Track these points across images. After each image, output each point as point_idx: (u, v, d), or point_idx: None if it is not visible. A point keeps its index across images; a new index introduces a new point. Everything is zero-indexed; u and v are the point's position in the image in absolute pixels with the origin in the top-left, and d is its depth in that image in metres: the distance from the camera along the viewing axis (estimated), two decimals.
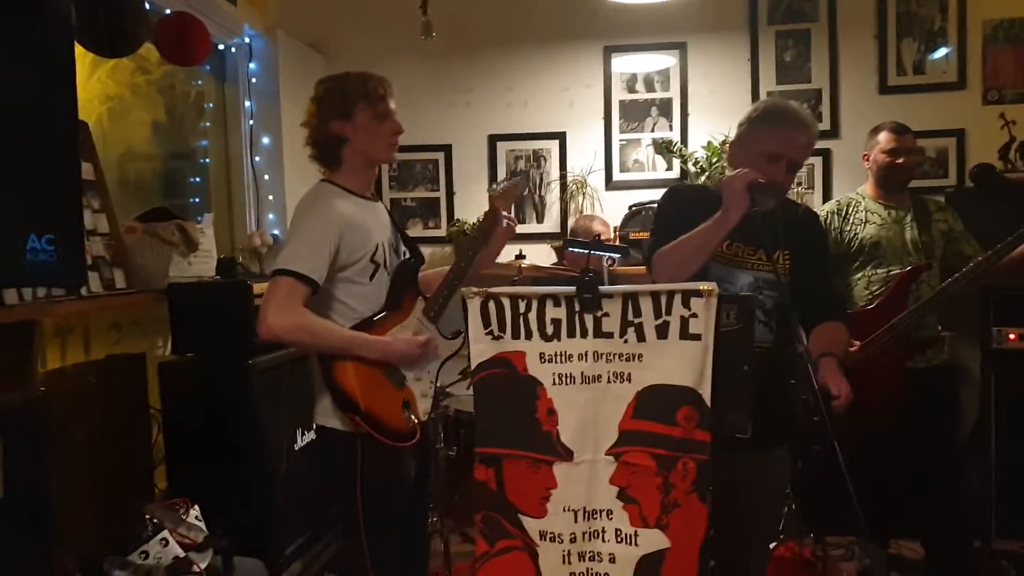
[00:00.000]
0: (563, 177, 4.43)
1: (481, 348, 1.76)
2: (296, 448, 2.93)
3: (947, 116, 4.06)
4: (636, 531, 1.71)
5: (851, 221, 3.28)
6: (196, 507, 2.35)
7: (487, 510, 1.77)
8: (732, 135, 4.04)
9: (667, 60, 4.37)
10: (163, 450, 2.82)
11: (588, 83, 4.44)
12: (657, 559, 1.70)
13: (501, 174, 4.51)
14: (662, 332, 1.68)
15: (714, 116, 4.30)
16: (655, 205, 4.12)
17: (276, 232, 3.99)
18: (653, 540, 1.70)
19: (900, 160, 3.24)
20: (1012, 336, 3.15)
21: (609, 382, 1.73)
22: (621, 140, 4.42)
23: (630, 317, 1.70)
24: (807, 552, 3.40)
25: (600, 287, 1.68)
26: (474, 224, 4.41)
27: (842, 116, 4.21)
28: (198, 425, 2.72)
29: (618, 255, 1.78)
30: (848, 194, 3.43)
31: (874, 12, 4.15)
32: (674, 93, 4.37)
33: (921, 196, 3.37)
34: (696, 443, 1.67)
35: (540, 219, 4.49)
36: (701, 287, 1.65)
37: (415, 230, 4.55)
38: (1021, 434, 3.11)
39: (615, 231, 4.16)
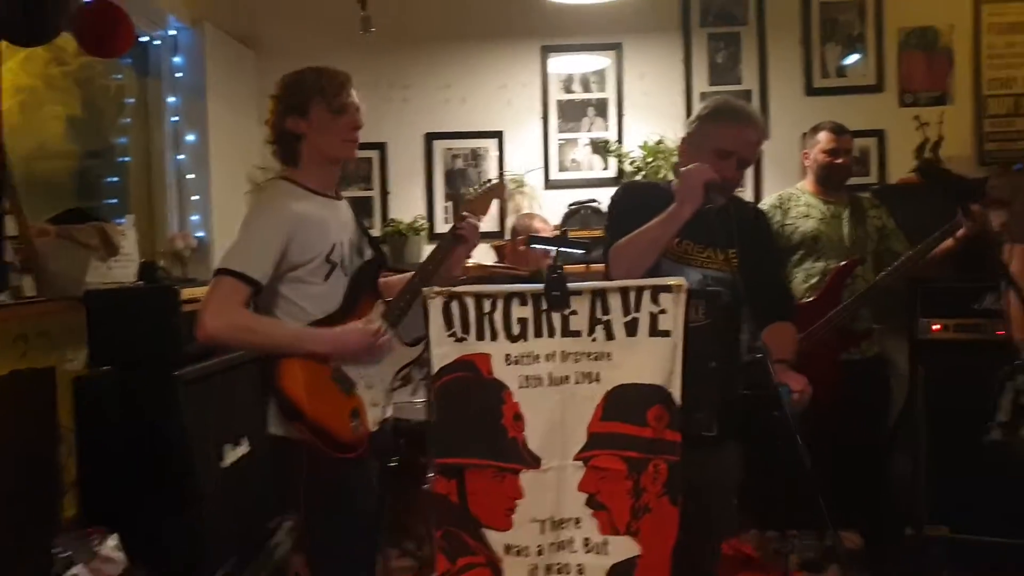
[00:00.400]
0: (501, 176, 4.37)
1: (443, 351, 1.68)
2: (225, 464, 2.77)
3: (868, 117, 4.20)
4: (606, 539, 1.67)
5: (791, 215, 3.34)
6: (114, 536, 2.17)
7: (448, 525, 1.69)
8: (667, 135, 4.23)
9: (603, 61, 4.37)
10: (75, 473, 2.61)
11: (525, 82, 4.40)
12: (628, 567, 1.65)
13: (438, 173, 4.43)
14: (631, 329, 1.64)
15: (649, 116, 4.33)
16: (594, 204, 4.26)
17: (201, 234, 3.79)
18: (623, 548, 1.66)
19: (839, 160, 3.33)
20: (936, 327, 3.25)
21: (577, 383, 1.67)
22: (559, 139, 4.40)
23: (598, 314, 1.65)
24: (748, 548, 3.44)
25: (569, 283, 1.62)
26: (410, 224, 4.33)
27: (771, 117, 4.29)
28: (118, 444, 2.52)
29: (581, 251, 1.72)
30: (788, 189, 3.49)
31: (799, 17, 4.26)
32: (610, 93, 4.37)
33: (856, 193, 3.46)
34: (667, 443, 1.64)
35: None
36: (670, 282, 1.62)
37: None
38: (947, 422, 3.21)
39: (555, 230, 4.13)
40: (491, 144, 4.43)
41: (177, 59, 3.69)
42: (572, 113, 4.39)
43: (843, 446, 3.20)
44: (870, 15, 4.17)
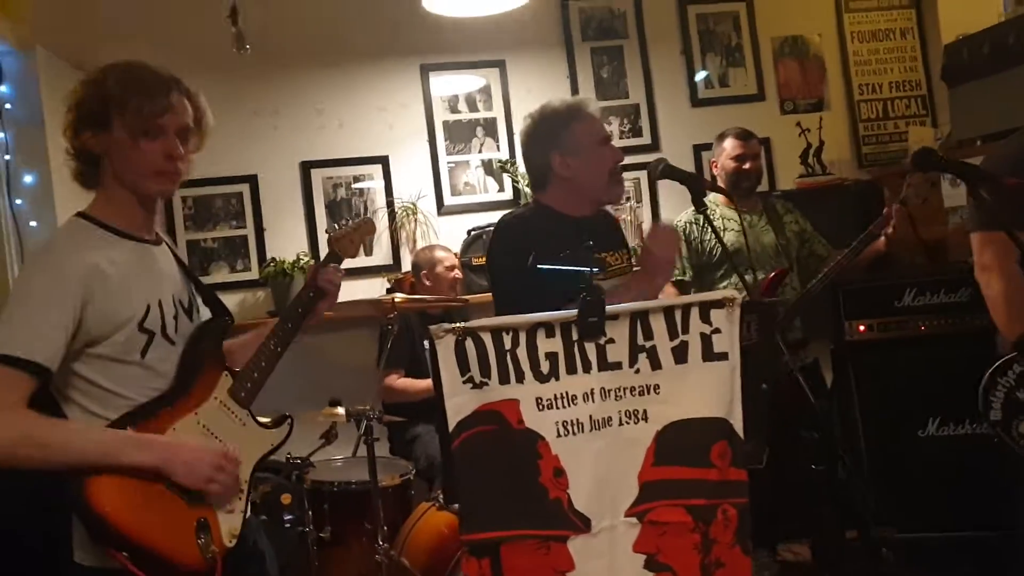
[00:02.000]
0: (390, 204, 4.04)
1: (459, 402, 1.35)
2: None
3: (753, 126, 4.16)
4: None
5: (709, 229, 3.25)
6: None
7: None
8: None
9: (487, 78, 4.17)
10: None
11: (406, 103, 4.11)
12: None
13: (319, 204, 4.04)
14: (680, 355, 1.41)
15: None
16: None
17: None
18: None
19: (747, 165, 3.29)
20: (862, 328, 3.27)
21: (621, 424, 1.41)
22: (449, 162, 4.13)
23: (640, 341, 1.40)
24: None
25: (607, 306, 1.35)
26: (294, 263, 3.89)
27: (660, 129, 4.25)
28: None
29: (597, 270, 1.48)
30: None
31: (677, 29, 4.27)
32: (498, 112, 4.17)
33: (770, 199, 3.45)
34: (734, 485, 1.41)
35: (368, 251, 4.03)
36: (722, 296, 1.40)
37: (220, 275, 3.92)
38: (880, 422, 3.23)
39: (457, 258, 3.85)
40: (375, 170, 4.09)
41: (3, 88, 3.08)
42: (460, 134, 4.15)
43: (786, 456, 3.13)
44: (744, 25, 4.26)
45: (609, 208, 2.34)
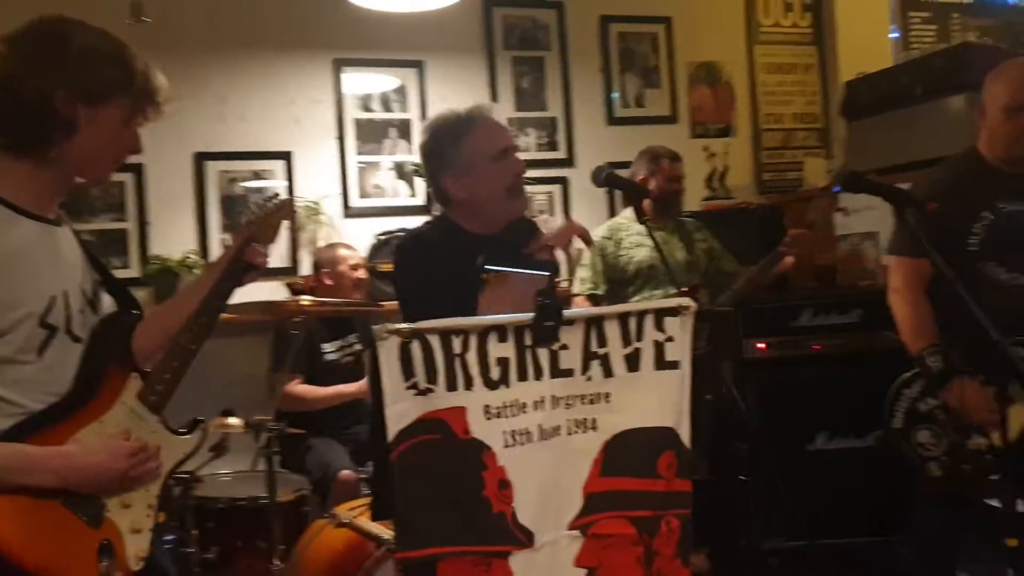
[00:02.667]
0: (291, 195, 3.85)
1: (401, 409, 1.25)
2: None
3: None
4: None
5: (623, 245, 3.29)
6: None
7: None
8: None
9: (403, 79, 4.06)
10: None
11: (317, 99, 3.94)
12: None
13: (212, 199, 3.80)
14: (633, 363, 1.36)
15: None
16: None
17: None
18: None
19: (675, 187, 3.34)
20: (761, 346, 3.37)
21: (570, 434, 1.35)
22: (359, 163, 3.99)
23: (594, 347, 1.34)
24: None
25: (564, 311, 1.29)
26: (181, 261, 3.64)
27: (576, 145, 4.27)
28: None
29: (547, 273, 1.41)
30: (616, 219, 3.45)
31: (599, 46, 4.31)
32: (413, 114, 4.07)
33: (680, 218, 3.50)
34: (679, 496, 1.37)
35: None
36: (678, 303, 1.37)
37: None
38: (774, 435, 3.32)
39: (365, 262, 3.72)
40: (278, 166, 3.89)
41: None
42: (372, 134, 4.01)
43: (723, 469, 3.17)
44: (663, 48, 4.34)
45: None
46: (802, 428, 3.28)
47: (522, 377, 1.31)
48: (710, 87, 4.43)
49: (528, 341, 1.32)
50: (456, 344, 1.28)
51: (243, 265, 1.60)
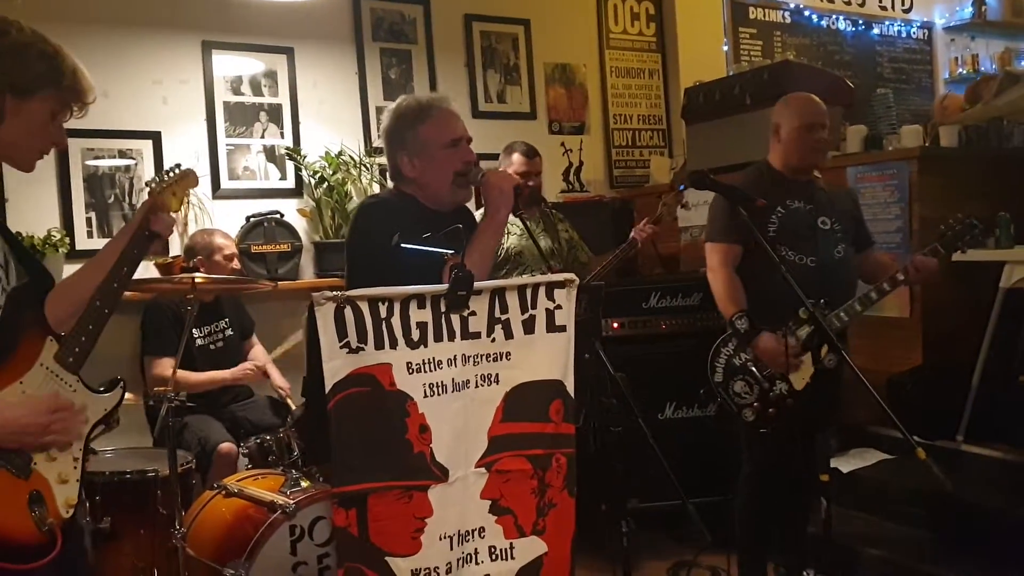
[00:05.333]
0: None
1: (336, 366, 1.45)
2: None
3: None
4: (511, 543, 1.61)
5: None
6: None
7: (349, 561, 1.47)
8: (349, 145, 4.13)
9: (274, 64, 4.12)
10: None
11: (185, 79, 3.93)
12: (535, 567, 1.62)
13: (76, 177, 3.73)
14: (529, 327, 1.62)
15: (327, 126, 4.21)
16: (277, 216, 3.96)
17: None
18: (530, 548, 1.62)
19: (531, 182, 3.62)
20: (616, 325, 3.75)
21: (477, 387, 1.59)
22: (228, 145, 4.01)
23: (497, 314, 1.59)
24: None
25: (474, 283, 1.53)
26: (45, 239, 3.54)
27: None
28: None
29: (451, 252, 1.63)
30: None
31: (463, 43, 4.54)
32: (284, 99, 4.14)
33: (545, 208, 3.81)
34: (565, 437, 1.65)
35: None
36: (564, 278, 1.64)
37: None
38: (628, 406, 3.72)
39: (236, 244, 3.76)
40: (145, 146, 3.85)
41: None
42: (242, 117, 4.05)
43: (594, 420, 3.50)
44: (522, 48, 4.64)
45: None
46: (653, 399, 3.67)
47: (438, 338, 1.54)
48: (565, 87, 4.78)
49: (443, 308, 1.55)
50: (382, 310, 1.49)
51: (148, 233, 1.69)
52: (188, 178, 1.84)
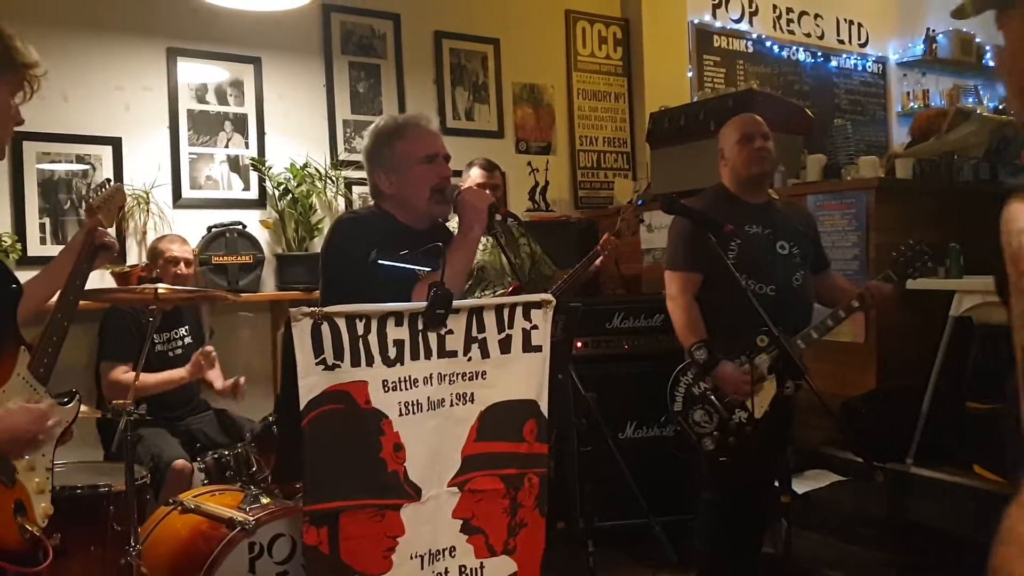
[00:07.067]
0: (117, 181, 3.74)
1: (311, 382, 1.43)
2: None
3: (493, 160, 4.67)
4: (482, 563, 1.60)
5: None
6: None
7: None
8: (315, 157, 4.10)
9: (240, 73, 4.08)
10: None
11: (148, 85, 3.87)
12: None
13: (30, 181, 3.62)
14: (505, 346, 1.63)
15: (292, 137, 4.18)
16: (239, 227, 3.90)
17: None
18: (500, 568, 1.62)
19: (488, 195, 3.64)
20: (579, 344, 3.77)
21: (452, 405, 1.59)
22: (191, 153, 3.95)
23: (474, 333, 1.59)
24: None
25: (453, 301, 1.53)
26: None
27: None
28: None
29: (428, 269, 1.63)
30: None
31: (432, 60, 4.56)
32: (249, 109, 4.09)
33: (507, 223, 3.82)
34: (537, 456, 1.65)
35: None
36: (541, 298, 1.65)
37: None
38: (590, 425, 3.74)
39: (196, 254, 3.70)
40: (104, 151, 3.78)
41: None
42: (206, 126, 3.99)
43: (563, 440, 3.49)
44: (491, 66, 4.67)
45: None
46: (614, 419, 3.69)
47: (415, 356, 1.54)
48: (533, 107, 4.82)
49: (420, 326, 1.54)
50: (360, 327, 1.48)
51: (93, 248, 1.75)
52: (115, 197, 1.86)
